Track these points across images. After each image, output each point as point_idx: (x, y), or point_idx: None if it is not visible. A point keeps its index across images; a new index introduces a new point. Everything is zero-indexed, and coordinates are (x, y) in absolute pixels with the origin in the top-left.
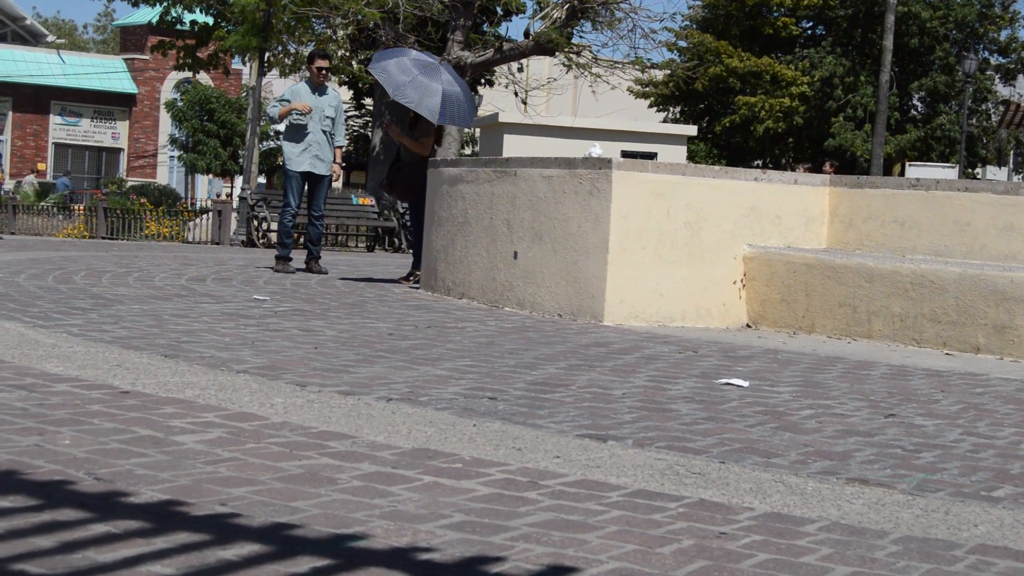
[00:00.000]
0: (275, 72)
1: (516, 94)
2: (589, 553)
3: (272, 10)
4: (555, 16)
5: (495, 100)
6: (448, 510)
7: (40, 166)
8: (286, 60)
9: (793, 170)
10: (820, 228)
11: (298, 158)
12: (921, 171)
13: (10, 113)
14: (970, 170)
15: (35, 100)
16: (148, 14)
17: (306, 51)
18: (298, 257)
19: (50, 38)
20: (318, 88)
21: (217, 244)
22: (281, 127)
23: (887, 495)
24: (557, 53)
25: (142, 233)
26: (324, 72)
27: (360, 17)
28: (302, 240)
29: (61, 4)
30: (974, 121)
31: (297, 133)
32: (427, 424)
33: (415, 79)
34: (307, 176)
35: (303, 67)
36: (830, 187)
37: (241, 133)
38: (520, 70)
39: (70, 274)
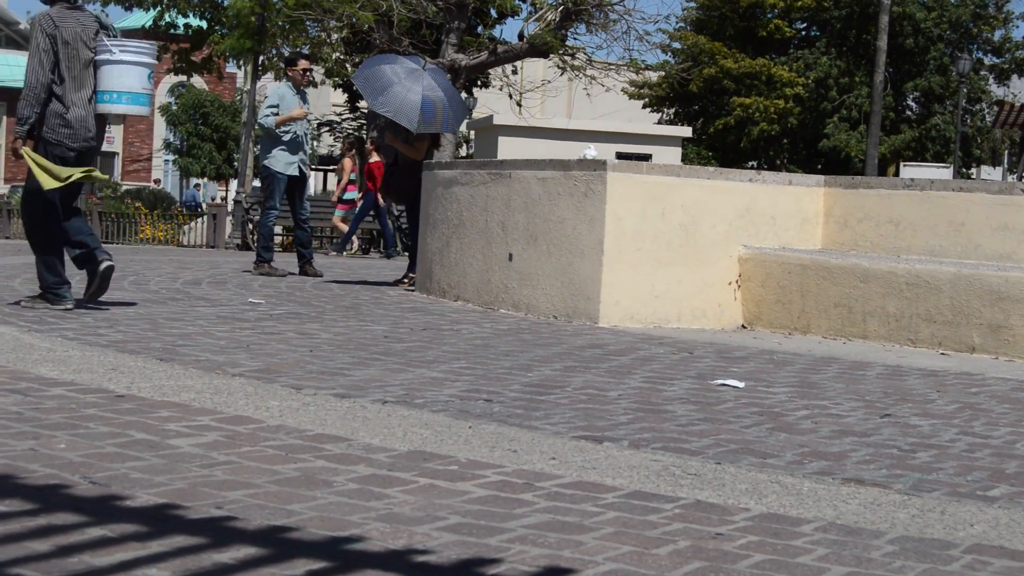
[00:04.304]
0: (270, 75)
1: (511, 96)
2: (585, 554)
3: (266, 14)
4: (549, 18)
5: (490, 102)
6: (444, 512)
7: None
8: (280, 64)
9: (788, 171)
10: (815, 229)
11: (288, 162)
12: (916, 171)
13: (4, 118)
14: (964, 170)
15: None
16: (142, 18)
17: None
18: (283, 261)
19: None
20: (300, 89)
21: (212, 248)
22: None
23: (883, 495)
24: (551, 55)
25: (137, 237)
26: (308, 73)
27: (354, 20)
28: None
29: None
30: (968, 121)
31: (286, 137)
32: (423, 426)
33: (393, 88)
34: (292, 180)
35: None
36: (825, 188)
37: (235, 137)
38: (514, 72)
39: None
